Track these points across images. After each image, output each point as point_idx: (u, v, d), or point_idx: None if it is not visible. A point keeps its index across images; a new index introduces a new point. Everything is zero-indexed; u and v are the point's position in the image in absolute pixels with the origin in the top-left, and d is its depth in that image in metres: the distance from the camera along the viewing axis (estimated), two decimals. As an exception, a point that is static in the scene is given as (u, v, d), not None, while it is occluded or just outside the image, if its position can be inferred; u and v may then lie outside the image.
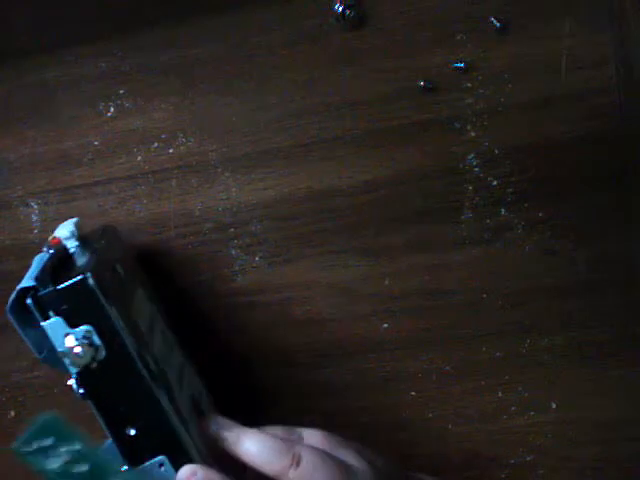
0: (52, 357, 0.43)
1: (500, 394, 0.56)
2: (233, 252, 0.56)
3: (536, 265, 0.54)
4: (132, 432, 0.43)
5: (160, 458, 0.43)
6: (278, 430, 0.47)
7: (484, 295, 0.55)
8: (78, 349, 0.41)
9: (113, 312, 0.41)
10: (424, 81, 0.53)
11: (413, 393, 0.57)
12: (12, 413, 0.58)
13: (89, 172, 0.56)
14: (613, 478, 0.56)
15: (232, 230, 0.56)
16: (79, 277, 0.41)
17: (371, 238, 0.55)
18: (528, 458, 0.56)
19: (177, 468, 0.43)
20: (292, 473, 0.43)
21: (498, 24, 0.52)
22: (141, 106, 0.55)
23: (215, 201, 0.56)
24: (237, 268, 0.56)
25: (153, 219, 0.56)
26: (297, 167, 0.55)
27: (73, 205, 0.57)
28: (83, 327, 0.41)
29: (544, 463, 0.56)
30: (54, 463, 0.40)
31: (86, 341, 0.41)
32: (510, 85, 0.52)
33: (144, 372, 0.42)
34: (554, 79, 0.52)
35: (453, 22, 0.52)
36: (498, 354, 0.55)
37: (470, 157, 0.54)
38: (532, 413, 0.56)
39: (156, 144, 0.56)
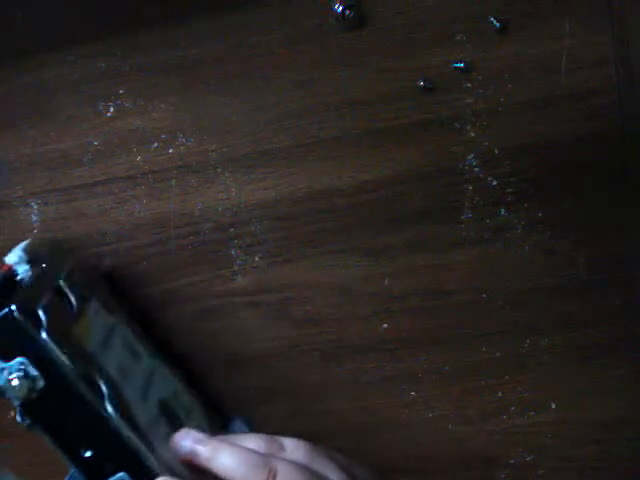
0: None
1: (500, 394, 0.56)
2: (233, 252, 0.56)
3: (536, 265, 0.54)
4: (88, 454, 0.42)
5: (120, 475, 0.43)
6: (260, 440, 0.47)
7: (484, 295, 0.55)
8: (15, 382, 0.41)
9: (46, 341, 0.41)
10: (424, 81, 0.53)
11: (413, 393, 0.57)
12: (12, 413, 0.58)
13: (89, 172, 0.56)
14: (613, 478, 0.56)
15: (232, 230, 0.56)
16: (5, 310, 0.41)
17: (371, 238, 0.55)
18: (528, 458, 0.56)
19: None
20: None
21: (498, 24, 0.52)
22: (141, 106, 0.55)
23: (215, 201, 0.56)
24: (237, 268, 0.56)
25: (153, 219, 0.56)
26: (297, 167, 0.55)
27: (73, 205, 0.57)
28: (17, 359, 0.41)
29: (544, 463, 0.56)
30: None
31: (22, 373, 0.41)
32: (510, 85, 0.52)
33: (88, 396, 0.42)
34: (554, 79, 0.52)
35: (453, 22, 0.52)
36: (498, 354, 0.55)
37: (470, 157, 0.54)
38: (532, 413, 0.56)
39: (156, 144, 0.56)
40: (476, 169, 0.54)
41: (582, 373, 0.55)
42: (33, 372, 0.41)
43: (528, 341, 0.55)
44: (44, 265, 0.47)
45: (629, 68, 0.51)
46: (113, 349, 0.47)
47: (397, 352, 0.56)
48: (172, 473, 0.44)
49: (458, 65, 0.53)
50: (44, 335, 0.41)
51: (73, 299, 0.47)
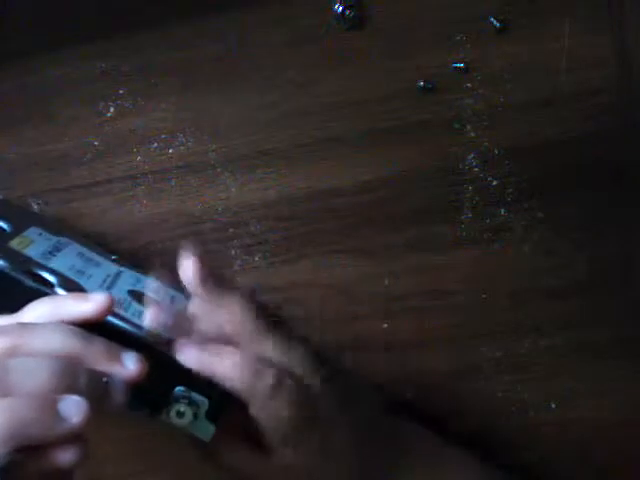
0: None
1: (500, 394, 0.56)
2: (233, 252, 0.56)
3: (536, 265, 0.54)
4: None
5: None
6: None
7: (484, 295, 0.55)
8: None
9: None
10: (424, 81, 0.53)
11: (413, 393, 0.57)
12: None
13: (89, 172, 0.56)
14: (613, 478, 0.56)
15: (232, 230, 0.56)
16: None
17: (371, 238, 0.55)
18: (528, 458, 0.56)
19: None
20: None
21: (498, 24, 0.52)
22: (141, 106, 0.55)
23: (215, 201, 0.56)
24: (237, 268, 0.56)
25: (153, 219, 0.56)
26: (297, 167, 0.55)
27: (73, 205, 0.57)
28: None
29: (544, 463, 0.56)
30: None
31: None
32: (510, 85, 0.52)
33: (28, 282, 0.42)
34: (554, 79, 0.52)
35: (453, 22, 0.52)
36: (498, 354, 0.55)
37: (470, 157, 0.54)
38: (532, 413, 0.56)
39: (156, 144, 0.56)
40: (476, 169, 0.54)
41: (582, 373, 0.55)
42: None
43: (528, 341, 0.55)
44: None
45: (629, 68, 0.51)
46: (64, 256, 0.47)
47: (397, 352, 0.56)
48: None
49: (458, 65, 0.53)
50: None
51: (5, 225, 0.47)
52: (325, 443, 0.44)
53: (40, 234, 0.48)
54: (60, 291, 0.42)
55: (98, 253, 0.50)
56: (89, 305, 0.40)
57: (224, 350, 0.43)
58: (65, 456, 0.36)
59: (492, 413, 0.56)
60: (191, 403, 0.42)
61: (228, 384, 0.42)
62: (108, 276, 0.48)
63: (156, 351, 0.42)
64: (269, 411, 0.42)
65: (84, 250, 0.50)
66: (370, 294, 0.56)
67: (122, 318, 0.43)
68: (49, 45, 0.55)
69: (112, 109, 0.55)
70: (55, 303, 0.40)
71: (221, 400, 0.43)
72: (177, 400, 0.42)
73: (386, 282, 0.55)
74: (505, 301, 0.55)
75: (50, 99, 0.56)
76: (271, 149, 0.55)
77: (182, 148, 0.55)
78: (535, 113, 0.52)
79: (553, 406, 0.55)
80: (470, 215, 0.54)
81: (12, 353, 0.37)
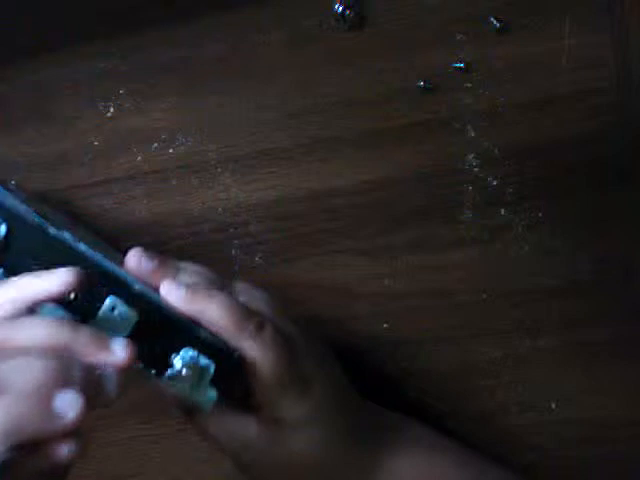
0: None
1: (500, 394, 0.56)
2: (233, 252, 0.56)
3: (536, 265, 0.54)
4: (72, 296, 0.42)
5: (110, 301, 0.42)
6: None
7: (484, 295, 0.55)
8: None
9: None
10: (424, 81, 0.53)
11: (413, 393, 0.57)
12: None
13: (89, 172, 0.56)
14: (614, 478, 0.55)
15: (232, 230, 0.56)
16: None
17: (371, 238, 0.55)
18: (528, 458, 0.56)
19: (126, 301, 0.42)
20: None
21: (498, 24, 0.52)
22: (141, 106, 0.55)
23: (215, 201, 0.56)
24: (237, 268, 0.56)
25: (153, 219, 0.56)
26: (297, 167, 0.55)
27: (73, 205, 0.57)
28: None
29: (544, 463, 0.56)
30: None
31: None
32: (510, 85, 0.52)
33: (51, 230, 0.42)
34: (554, 79, 0.52)
35: (453, 22, 0.52)
36: (498, 354, 0.55)
37: (470, 157, 0.54)
38: (532, 413, 0.56)
39: (156, 144, 0.56)
40: (476, 169, 0.54)
41: (582, 373, 0.55)
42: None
43: (528, 341, 0.55)
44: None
45: (629, 68, 0.51)
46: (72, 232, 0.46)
47: (397, 352, 0.56)
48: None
49: (458, 65, 0.53)
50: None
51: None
52: (308, 396, 0.45)
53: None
54: (80, 245, 0.42)
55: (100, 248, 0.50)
56: (53, 280, 0.40)
57: (214, 293, 0.44)
58: (63, 452, 0.36)
59: (492, 413, 0.56)
60: (196, 366, 0.42)
61: (215, 327, 0.43)
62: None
63: (164, 308, 0.42)
64: (255, 352, 0.44)
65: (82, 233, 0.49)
66: (370, 294, 0.55)
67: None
68: (49, 45, 0.55)
69: (112, 109, 0.55)
70: (19, 284, 0.40)
71: (228, 366, 0.43)
72: (184, 361, 0.42)
73: (386, 282, 0.55)
74: (505, 301, 0.55)
75: (50, 99, 0.56)
76: (271, 149, 0.55)
77: (182, 148, 0.55)
78: (535, 113, 0.52)
79: (553, 406, 0.55)
80: (470, 215, 0.54)
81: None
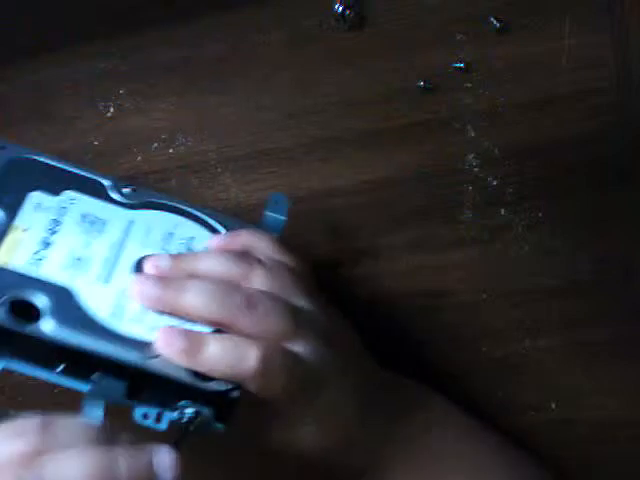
0: None
1: (500, 394, 0.56)
2: (233, 252, 0.56)
3: (536, 265, 0.54)
4: (60, 368, 0.41)
5: (93, 376, 0.41)
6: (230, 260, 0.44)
7: (484, 295, 0.55)
8: None
9: None
10: (424, 81, 0.53)
11: (413, 393, 0.57)
12: (12, 413, 0.58)
13: (89, 172, 0.56)
14: (613, 478, 0.55)
15: (232, 230, 0.56)
16: None
17: (371, 238, 0.55)
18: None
19: (113, 374, 0.41)
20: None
21: (498, 24, 0.52)
22: (141, 106, 0.55)
23: (215, 201, 0.56)
24: (237, 268, 0.56)
25: (153, 219, 0.56)
26: (297, 167, 0.55)
27: (73, 205, 0.56)
28: None
29: (544, 463, 0.56)
30: None
31: None
32: (510, 85, 0.53)
33: (16, 327, 0.40)
34: (554, 79, 0.52)
35: (453, 22, 0.52)
36: (498, 354, 0.55)
37: (470, 157, 0.54)
38: (532, 413, 0.56)
39: (156, 144, 0.56)
40: (476, 169, 0.54)
41: (582, 373, 0.55)
42: None
43: (528, 341, 0.55)
44: None
45: (629, 68, 0.51)
46: (61, 238, 0.45)
47: (397, 352, 0.56)
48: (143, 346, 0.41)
49: (458, 65, 0.53)
50: None
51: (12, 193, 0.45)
52: (320, 398, 0.43)
53: (38, 205, 0.46)
54: (45, 323, 0.41)
55: (106, 199, 0.47)
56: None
57: (207, 339, 0.41)
58: None
59: (492, 413, 0.56)
60: (196, 419, 0.41)
61: (213, 375, 0.41)
62: (113, 246, 0.45)
63: (149, 370, 0.41)
64: (261, 389, 0.41)
65: (90, 205, 0.47)
66: (371, 294, 0.56)
67: (116, 337, 0.42)
68: (49, 45, 0.55)
69: (112, 109, 0.56)
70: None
71: (225, 408, 0.42)
72: (182, 414, 0.41)
73: (386, 282, 0.55)
74: (505, 301, 0.55)
75: (50, 99, 0.56)
76: (271, 149, 0.55)
77: (182, 148, 0.55)
78: (535, 113, 0.52)
79: (553, 406, 0.55)
80: (470, 215, 0.54)
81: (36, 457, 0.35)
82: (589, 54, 0.52)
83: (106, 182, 0.47)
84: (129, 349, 0.41)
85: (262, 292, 0.42)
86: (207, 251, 0.45)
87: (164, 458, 0.37)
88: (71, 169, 0.48)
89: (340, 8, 0.53)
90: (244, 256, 0.44)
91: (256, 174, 0.55)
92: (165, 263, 0.43)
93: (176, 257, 0.44)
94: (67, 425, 0.36)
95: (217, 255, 0.44)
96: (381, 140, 0.54)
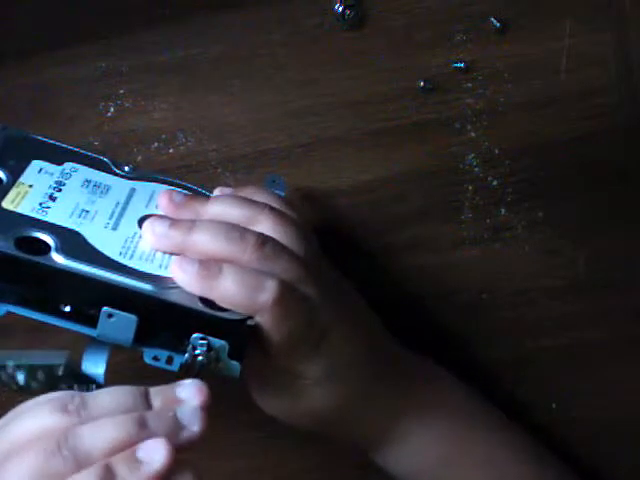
0: None
1: (500, 394, 0.56)
2: (233, 252, 0.56)
3: (536, 265, 0.54)
4: (67, 309, 0.41)
5: (104, 310, 0.40)
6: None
7: (484, 295, 0.55)
8: None
9: None
10: (424, 81, 0.53)
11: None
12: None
13: (89, 172, 0.56)
14: (613, 478, 0.56)
15: (232, 230, 0.56)
16: None
17: (371, 238, 0.55)
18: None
19: (124, 309, 0.40)
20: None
21: (498, 24, 0.52)
22: (141, 106, 0.55)
23: (215, 201, 0.56)
24: (237, 268, 0.56)
25: (153, 219, 0.56)
26: (297, 167, 0.55)
27: (73, 205, 0.56)
28: None
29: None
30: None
31: None
32: (510, 85, 0.52)
33: (22, 256, 0.40)
34: (554, 79, 0.52)
35: (453, 22, 0.52)
36: (498, 354, 0.55)
37: (470, 157, 0.54)
38: (532, 413, 0.56)
39: (156, 144, 0.55)
40: (476, 169, 0.54)
41: (582, 373, 0.55)
42: None
43: (528, 341, 0.55)
44: None
45: (629, 68, 0.51)
46: (66, 195, 0.45)
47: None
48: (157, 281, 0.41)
49: (458, 65, 0.53)
50: None
51: (2, 174, 0.46)
52: (325, 350, 0.44)
53: (41, 170, 0.47)
54: (55, 255, 0.41)
55: (107, 170, 0.49)
56: None
57: (223, 267, 0.41)
58: None
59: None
60: (211, 349, 0.41)
61: (226, 303, 0.41)
62: (117, 204, 0.46)
63: (160, 300, 0.41)
64: (269, 324, 0.41)
65: (92, 173, 0.48)
66: (370, 294, 0.55)
67: (127, 270, 0.42)
68: (49, 45, 0.55)
69: (112, 109, 0.55)
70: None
71: (240, 339, 0.41)
72: (196, 348, 0.41)
73: (386, 282, 0.55)
74: (505, 301, 0.55)
75: (50, 99, 0.56)
76: (271, 149, 0.55)
77: (182, 148, 0.55)
78: (535, 113, 0.52)
79: (553, 406, 0.55)
80: (470, 215, 0.54)
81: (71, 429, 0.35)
82: (589, 54, 0.52)
83: (107, 160, 0.50)
84: (142, 280, 0.41)
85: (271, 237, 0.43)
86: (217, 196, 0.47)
87: (192, 389, 0.36)
88: (74, 149, 0.50)
89: (340, 8, 0.52)
90: (253, 200, 0.45)
91: (256, 174, 0.55)
92: (179, 198, 0.45)
93: (189, 196, 0.46)
94: (102, 398, 0.36)
95: (227, 198, 0.46)
96: (381, 140, 0.54)
